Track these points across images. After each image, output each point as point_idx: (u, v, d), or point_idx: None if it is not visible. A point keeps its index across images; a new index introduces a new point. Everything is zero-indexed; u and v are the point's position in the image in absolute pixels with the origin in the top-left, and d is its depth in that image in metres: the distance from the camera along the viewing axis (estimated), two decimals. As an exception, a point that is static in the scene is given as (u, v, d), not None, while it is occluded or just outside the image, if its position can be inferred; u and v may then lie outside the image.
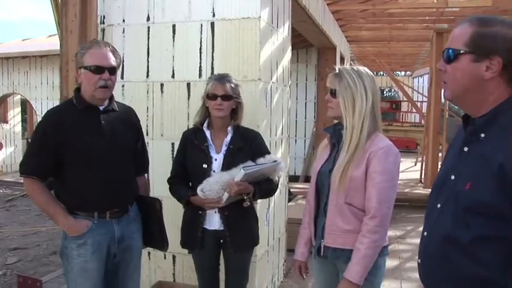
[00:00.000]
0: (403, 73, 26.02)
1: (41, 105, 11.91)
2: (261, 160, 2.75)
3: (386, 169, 2.23)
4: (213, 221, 2.82)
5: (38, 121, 2.66)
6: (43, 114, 2.67)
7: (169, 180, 3.00)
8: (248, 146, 2.83)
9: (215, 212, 2.78)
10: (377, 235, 2.21)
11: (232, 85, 2.81)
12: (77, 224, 2.50)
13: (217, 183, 2.66)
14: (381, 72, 22.04)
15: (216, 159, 2.79)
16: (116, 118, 2.62)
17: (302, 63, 9.99)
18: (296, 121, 9.88)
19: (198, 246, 2.85)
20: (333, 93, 2.34)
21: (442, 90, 1.52)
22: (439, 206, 1.56)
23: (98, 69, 2.45)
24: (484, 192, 1.38)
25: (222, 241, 2.84)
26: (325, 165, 2.41)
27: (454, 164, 1.56)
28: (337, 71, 2.36)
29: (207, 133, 2.85)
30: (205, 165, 2.76)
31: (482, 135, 1.46)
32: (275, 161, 2.78)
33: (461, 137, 1.56)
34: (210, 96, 2.78)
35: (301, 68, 10.00)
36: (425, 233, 1.62)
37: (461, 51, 1.46)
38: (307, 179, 9.78)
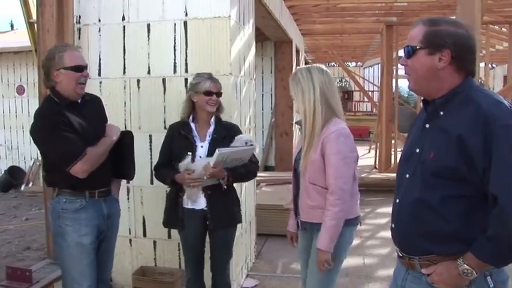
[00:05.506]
0: (354, 64, 26.71)
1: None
2: (234, 141, 3.07)
3: (338, 149, 2.62)
4: (199, 201, 3.10)
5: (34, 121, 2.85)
6: None
7: (155, 167, 3.30)
8: (229, 134, 3.16)
9: (202, 192, 3.06)
10: (337, 208, 2.59)
11: (220, 83, 3.21)
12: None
13: (201, 166, 2.97)
14: (333, 63, 22.58)
15: (202, 146, 3.12)
16: (91, 109, 2.95)
17: (258, 56, 10.14)
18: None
19: (181, 224, 3.15)
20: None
21: (407, 82, 1.86)
22: (407, 176, 1.85)
23: (79, 68, 2.81)
24: (445, 158, 1.70)
25: (207, 221, 3.10)
26: (299, 153, 2.80)
27: (417, 139, 1.87)
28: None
29: (193, 125, 3.17)
30: (189, 152, 3.05)
31: (441, 113, 1.78)
32: (248, 143, 3.07)
33: (422, 118, 1.90)
34: (206, 93, 3.10)
35: (257, 61, 10.08)
36: (397, 201, 1.90)
37: (417, 47, 1.79)
38: (266, 168, 10.10)
